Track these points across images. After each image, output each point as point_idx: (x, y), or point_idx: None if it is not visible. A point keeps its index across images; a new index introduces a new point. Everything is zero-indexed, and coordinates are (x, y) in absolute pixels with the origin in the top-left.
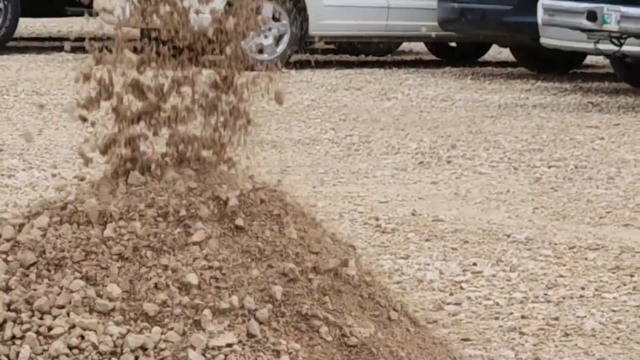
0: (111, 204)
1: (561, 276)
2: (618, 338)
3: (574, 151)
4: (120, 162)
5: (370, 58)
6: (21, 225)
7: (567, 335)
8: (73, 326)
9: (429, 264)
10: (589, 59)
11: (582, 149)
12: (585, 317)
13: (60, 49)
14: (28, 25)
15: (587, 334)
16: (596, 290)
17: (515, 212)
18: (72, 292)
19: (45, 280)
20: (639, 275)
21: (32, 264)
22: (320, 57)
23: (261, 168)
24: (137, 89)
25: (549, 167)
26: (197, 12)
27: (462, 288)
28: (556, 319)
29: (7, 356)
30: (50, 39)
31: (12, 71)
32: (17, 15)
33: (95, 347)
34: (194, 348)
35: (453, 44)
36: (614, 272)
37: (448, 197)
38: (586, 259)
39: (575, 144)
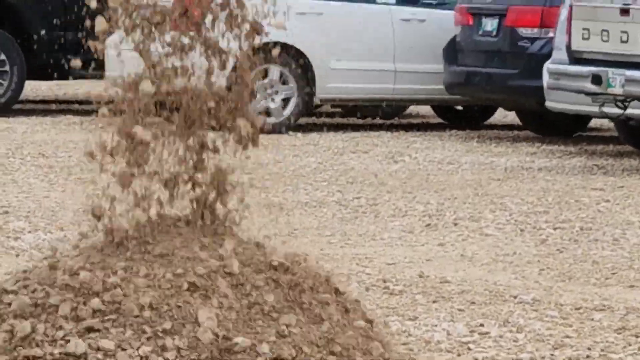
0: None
1: (568, 337)
2: None
3: (580, 213)
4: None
5: (377, 121)
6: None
7: None
8: None
9: (436, 325)
10: (594, 122)
11: (588, 211)
12: None
13: (66, 111)
14: (34, 88)
15: None
16: (602, 350)
17: (522, 273)
18: None
19: None
20: None
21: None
22: (327, 120)
23: (269, 230)
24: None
25: (555, 229)
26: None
27: (469, 349)
28: None
29: None
30: (56, 101)
31: (18, 134)
32: (22, 78)
33: None
34: None
35: (459, 107)
36: (619, 333)
37: (455, 258)
38: (592, 319)
39: (581, 206)
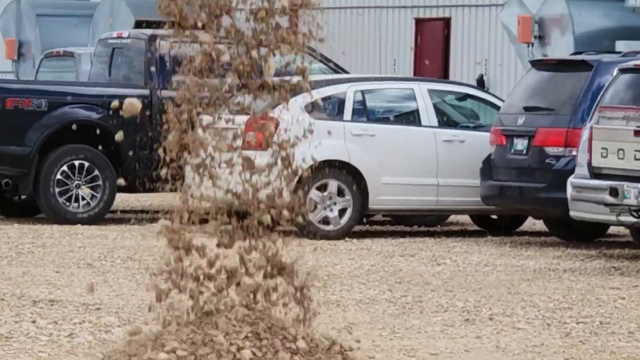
0: None
1: None
2: None
3: (599, 309)
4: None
5: (422, 228)
6: None
7: None
8: None
9: None
10: (612, 229)
11: (606, 307)
12: None
13: (152, 220)
14: (124, 200)
15: None
16: None
17: None
18: None
19: None
20: None
21: None
22: (378, 228)
23: (327, 325)
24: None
25: (578, 323)
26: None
27: None
28: None
29: None
30: (142, 211)
31: (109, 240)
32: (114, 191)
33: None
34: None
35: (494, 217)
36: None
37: (490, 349)
38: None
39: (600, 303)
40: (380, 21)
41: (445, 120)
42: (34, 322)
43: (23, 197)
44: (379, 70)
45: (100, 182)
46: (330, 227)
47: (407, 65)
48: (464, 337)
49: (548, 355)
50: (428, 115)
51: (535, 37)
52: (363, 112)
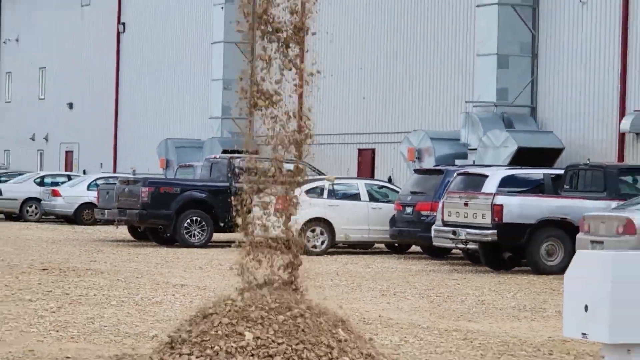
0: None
1: None
2: None
3: (447, 289)
4: None
5: (361, 250)
6: None
7: None
8: None
9: None
10: (454, 251)
11: (450, 288)
12: None
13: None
14: (218, 236)
15: None
16: None
17: None
18: None
19: None
20: None
21: None
22: (340, 250)
23: (316, 297)
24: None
25: (437, 296)
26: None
27: None
28: None
29: None
30: (227, 241)
31: (210, 256)
32: (212, 231)
33: None
34: None
35: (396, 245)
36: None
37: (394, 309)
38: None
39: (447, 286)
40: (341, 149)
41: (372, 198)
42: (173, 295)
43: (167, 234)
44: (340, 174)
45: (205, 227)
46: (316, 250)
47: (353, 172)
48: (382, 304)
49: (421, 312)
50: (364, 195)
51: (416, 158)
52: (332, 194)
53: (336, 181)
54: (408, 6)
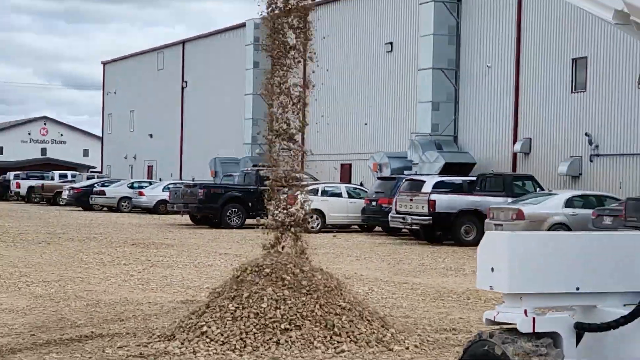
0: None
1: None
2: None
3: (397, 255)
4: None
5: (343, 230)
6: None
7: None
8: None
9: None
10: (403, 230)
11: (399, 253)
12: None
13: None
14: (250, 221)
15: None
16: None
17: None
18: None
19: None
20: None
21: None
22: (329, 229)
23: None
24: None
25: (381, 260)
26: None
27: None
28: None
29: None
30: (257, 224)
31: (244, 234)
32: (245, 217)
33: None
34: None
35: (365, 225)
36: None
37: (349, 269)
38: None
39: (398, 254)
40: (329, 164)
41: (350, 195)
42: (220, 260)
43: (216, 220)
44: (329, 180)
45: (241, 215)
46: (314, 229)
47: (337, 179)
48: (356, 265)
49: (382, 270)
50: (345, 194)
51: (378, 169)
52: (324, 192)
53: (326, 184)
54: (373, 70)
